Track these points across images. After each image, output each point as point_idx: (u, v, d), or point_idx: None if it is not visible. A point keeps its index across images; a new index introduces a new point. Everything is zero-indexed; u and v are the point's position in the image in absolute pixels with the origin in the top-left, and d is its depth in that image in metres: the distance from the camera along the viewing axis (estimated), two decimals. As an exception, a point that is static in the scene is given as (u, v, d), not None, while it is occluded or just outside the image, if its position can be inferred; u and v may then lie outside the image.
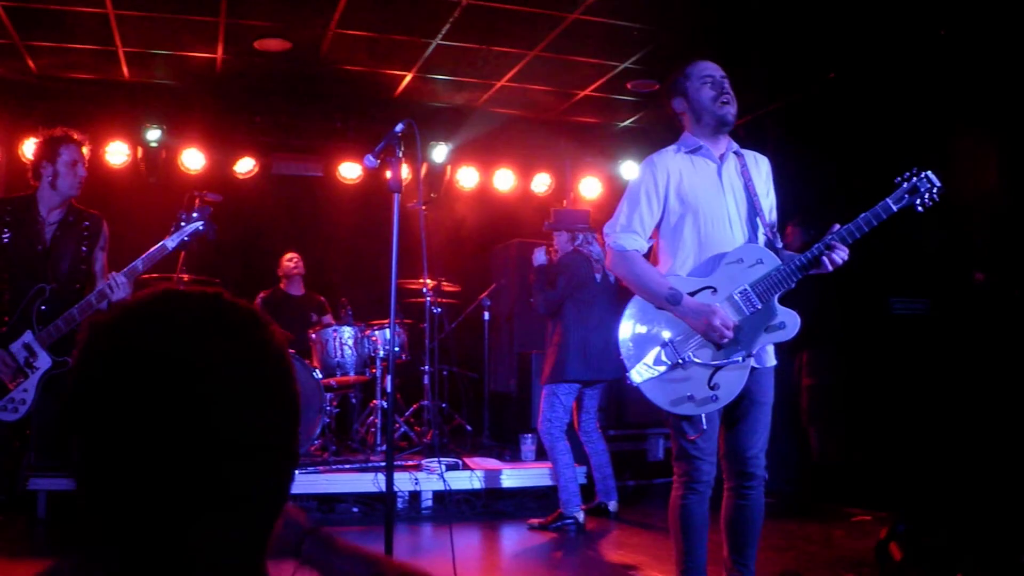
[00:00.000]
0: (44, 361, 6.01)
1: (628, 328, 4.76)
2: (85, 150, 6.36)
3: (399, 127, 5.61)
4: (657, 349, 4.66)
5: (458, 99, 11.08)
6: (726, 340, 4.56)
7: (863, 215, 4.57)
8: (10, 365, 5.94)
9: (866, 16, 7.94)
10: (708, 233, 4.76)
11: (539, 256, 8.39)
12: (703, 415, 4.60)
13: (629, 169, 12.22)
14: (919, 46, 8.29)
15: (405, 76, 10.20)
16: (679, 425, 4.70)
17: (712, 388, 4.58)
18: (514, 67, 9.84)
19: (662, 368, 4.64)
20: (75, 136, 6.33)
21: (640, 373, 4.66)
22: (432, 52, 9.45)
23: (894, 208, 4.58)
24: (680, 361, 4.61)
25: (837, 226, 4.62)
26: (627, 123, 11.91)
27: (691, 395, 4.60)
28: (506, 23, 8.65)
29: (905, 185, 4.61)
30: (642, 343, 4.71)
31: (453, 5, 8.27)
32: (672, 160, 4.87)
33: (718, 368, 4.60)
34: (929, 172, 4.61)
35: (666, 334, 4.67)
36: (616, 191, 12.11)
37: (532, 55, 9.46)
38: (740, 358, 4.60)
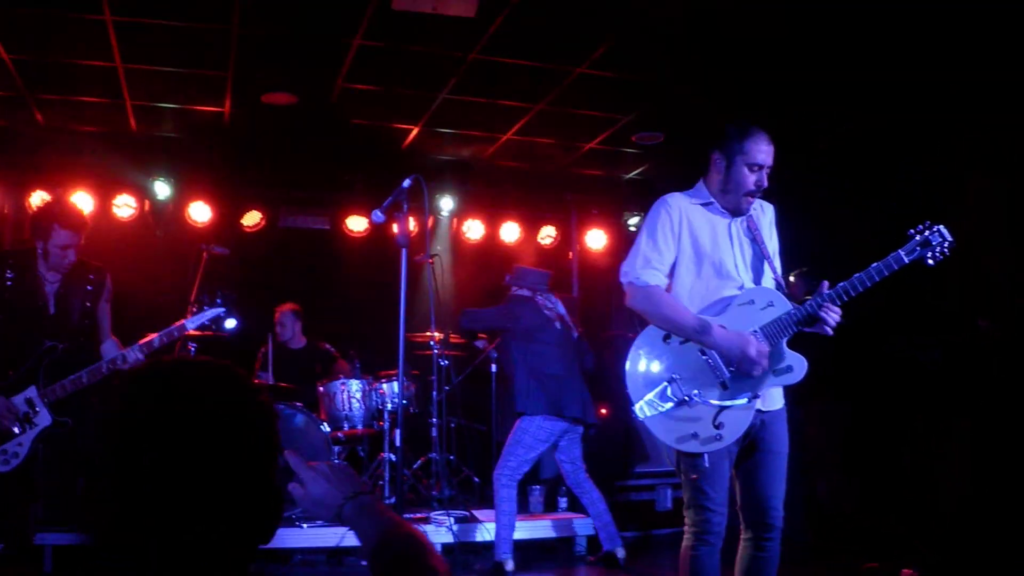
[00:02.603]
0: (44, 419, 6.02)
1: (635, 364, 4.77)
2: (82, 232, 6.29)
3: (406, 183, 5.64)
4: (663, 385, 4.66)
5: (464, 152, 11.13)
6: (758, 371, 4.56)
7: (874, 265, 4.59)
8: (12, 412, 5.95)
9: (879, 66, 7.97)
10: (716, 276, 4.79)
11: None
12: (706, 455, 4.58)
13: (635, 221, 12.25)
14: (932, 97, 8.32)
15: (412, 130, 10.25)
16: (682, 464, 4.68)
17: (717, 427, 4.57)
18: (519, 120, 9.89)
19: (668, 405, 4.64)
20: (73, 218, 6.27)
21: (645, 408, 4.66)
22: (438, 106, 9.49)
23: (906, 260, 4.59)
24: (686, 399, 4.61)
25: (826, 283, 4.63)
26: (632, 175, 11.94)
27: (695, 433, 4.58)
28: (511, 77, 8.71)
29: (918, 238, 4.63)
30: (648, 379, 4.72)
31: (459, 60, 8.33)
32: (684, 202, 4.89)
33: (724, 408, 4.59)
34: (942, 226, 4.63)
35: (673, 371, 4.67)
36: (622, 242, 12.15)
37: (537, 109, 9.51)
38: (746, 399, 4.60)
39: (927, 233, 4.62)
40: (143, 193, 10.80)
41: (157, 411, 1.68)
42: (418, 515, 8.80)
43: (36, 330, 6.15)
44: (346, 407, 9.44)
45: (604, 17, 7.47)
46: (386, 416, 9.43)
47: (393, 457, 9.29)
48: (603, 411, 10.33)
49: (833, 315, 4.57)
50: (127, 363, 6.08)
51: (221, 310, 6.43)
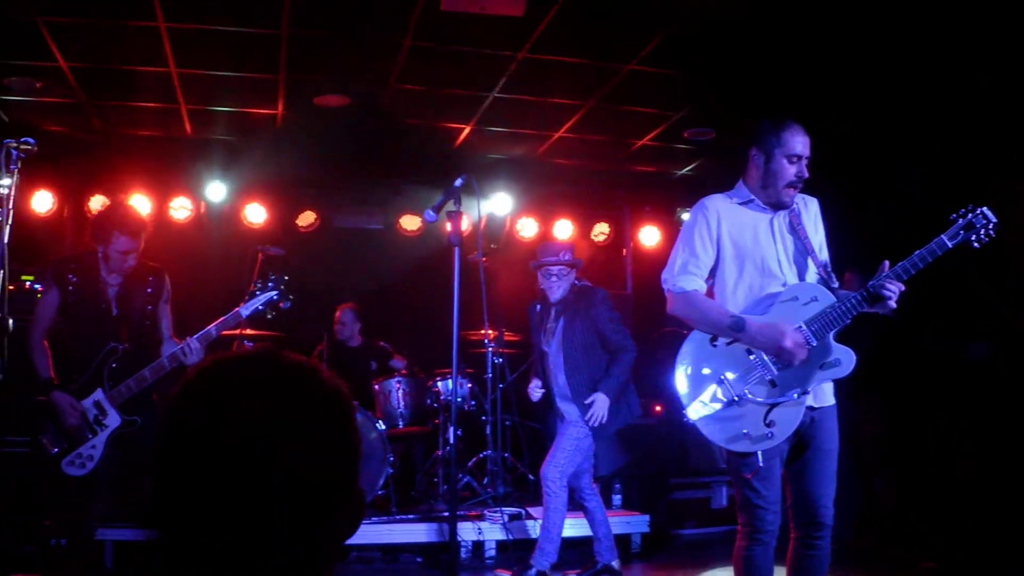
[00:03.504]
0: (113, 420, 6.10)
1: (684, 367, 4.80)
2: (141, 236, 6.31)
3: (458, 182, 5.66)
4: (713, 387, 4.70)
5: (516, 150, 11.13)
6: (798, 361, 4.56)
7: (918, 251, 4.56)
8: (77, 410, 6.03)
9: (913, 59, 7.92)
10: (759, 274, 4.81)
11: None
12: (759, 453, 4.59)
13: (687, 217, 12.20)
14: (970, 86, 8.25)
15: (463, 129, 10.28)
16: (735, 464, 4.70)
17: (768, 425, 4.59)
18: (571, 118, 9.89)
19: (718, 406, 4.68)
20: (132, 224, 6.28)
21: (696, 410, 4.70)
22: (489, 105, 9.52)
23: (949, 244, 4.56)
24: (736, 398, 4.65)
25: (887, 263, 4.61)
26: (684, 171, 11.90)
27: (747, 432, 4.61)
28: (561, 75, 8.71)
29: (960, 221, 4.59)
30: (698, 381, 4.75)
31: (509, 59, 8.35)
32: (723, 204, 4.93)
33: (774, 405, 4.60)
34: (985, 208, 4.59)
35: (721, 372, 4.71)
36: (675, 239, 12.07)
37: (588, 106, 9.51)
38: (796, 395, 4.60)
39: (970, 216, 4.59)
40: (199, 195, 10.92)
41: (198, 428, 1.56)
42: (472, 512, 8.84)
43: (100, 332, 6.22)
44: (401, 405, 9.49)
45: (653, 13, 7.47)
46: (441, 414, 9.48)
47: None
48: (657, 408, 10.33)
49: (895, 287, 4.54)
50: (188, 355, 6.15)
51: (274, 293, 6.46)
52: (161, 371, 6.16)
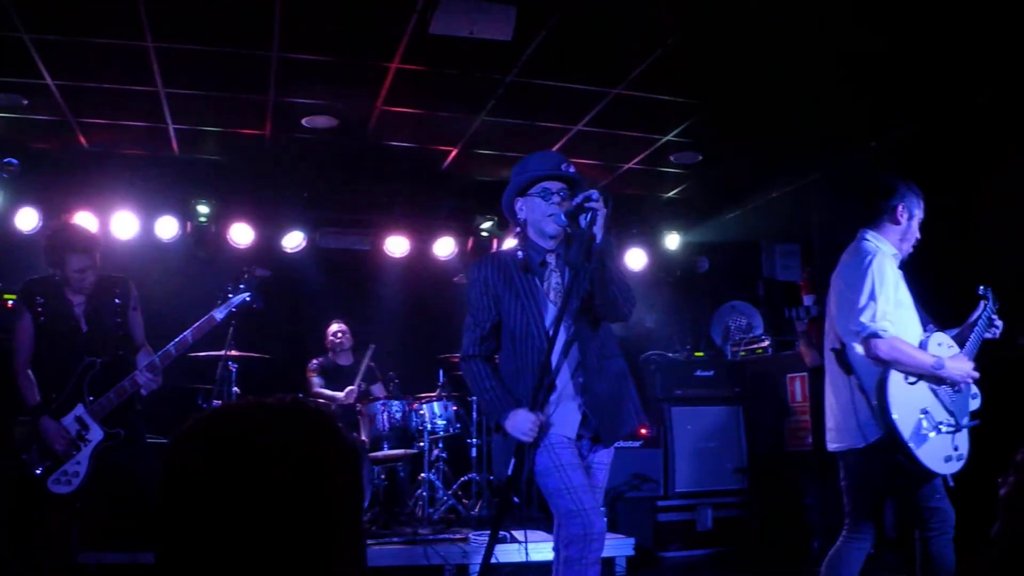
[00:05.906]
0: (96, 434, 6.11)
1: (898, 406, 5.12)
2: (94, 251, 6.38)
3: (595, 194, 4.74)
4: (921, 419, 5.12)
5: (504, 173, 11.09)
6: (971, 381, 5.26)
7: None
8: (65, 436, 6.05)
9: (913, 73, 7.96)
10: (917, 322, 5.36)
11: None
12: (949, 475, 5.17)
13: (673, 240, 12.21)
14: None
15: (451, 151, 10.29)
16: (934, 485, 5.18)
17: (955, 450, 5.18)
18: (558, 141, 9.90)
19: (932, 434, 5.12)
20: (82, 242, 6.34)
21: (915, 442, 5.07)
22: (477, 128, 9.53)
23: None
24: (938, 427, 5.14)
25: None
26: (671, 194, 11.91)
27: (948, 456, 5.15)
28: (549, 99, 8.74)
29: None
30: (910, 417, 5.12)
31: (497, 82, 8.37)
32: (889, 253, 5.34)
33: (956, 431, 5.18)
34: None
35: (921, 406, 5.18)
36: (661, 262, 12.13)
37: (576, 130, 9.53)
38: (966, 421, 5.28)
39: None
40: (185, 215, 10.87)
41: (195, 479, 1.53)
42: (457, 536, 8.80)
43: (73, 350, 6.24)
44: (386, 427, 9.46)
45: (640, 38, 7.50)
46: (426, 436, 9.44)
47: (433, 477, 9.33)
48: (643, 431, 10.30)
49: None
50: (144, 387, 6.19)
51: (246, 295, 6.54)
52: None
